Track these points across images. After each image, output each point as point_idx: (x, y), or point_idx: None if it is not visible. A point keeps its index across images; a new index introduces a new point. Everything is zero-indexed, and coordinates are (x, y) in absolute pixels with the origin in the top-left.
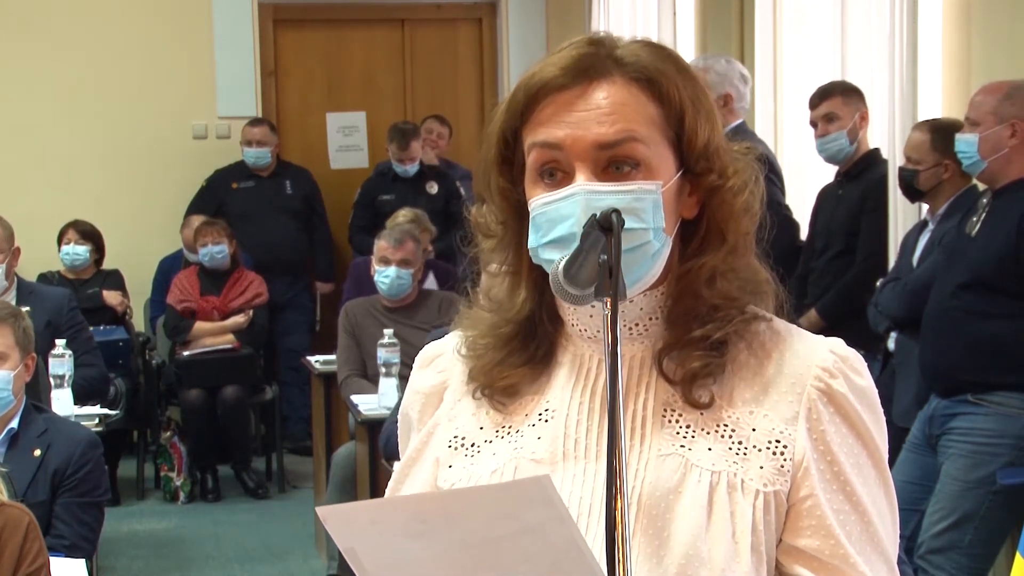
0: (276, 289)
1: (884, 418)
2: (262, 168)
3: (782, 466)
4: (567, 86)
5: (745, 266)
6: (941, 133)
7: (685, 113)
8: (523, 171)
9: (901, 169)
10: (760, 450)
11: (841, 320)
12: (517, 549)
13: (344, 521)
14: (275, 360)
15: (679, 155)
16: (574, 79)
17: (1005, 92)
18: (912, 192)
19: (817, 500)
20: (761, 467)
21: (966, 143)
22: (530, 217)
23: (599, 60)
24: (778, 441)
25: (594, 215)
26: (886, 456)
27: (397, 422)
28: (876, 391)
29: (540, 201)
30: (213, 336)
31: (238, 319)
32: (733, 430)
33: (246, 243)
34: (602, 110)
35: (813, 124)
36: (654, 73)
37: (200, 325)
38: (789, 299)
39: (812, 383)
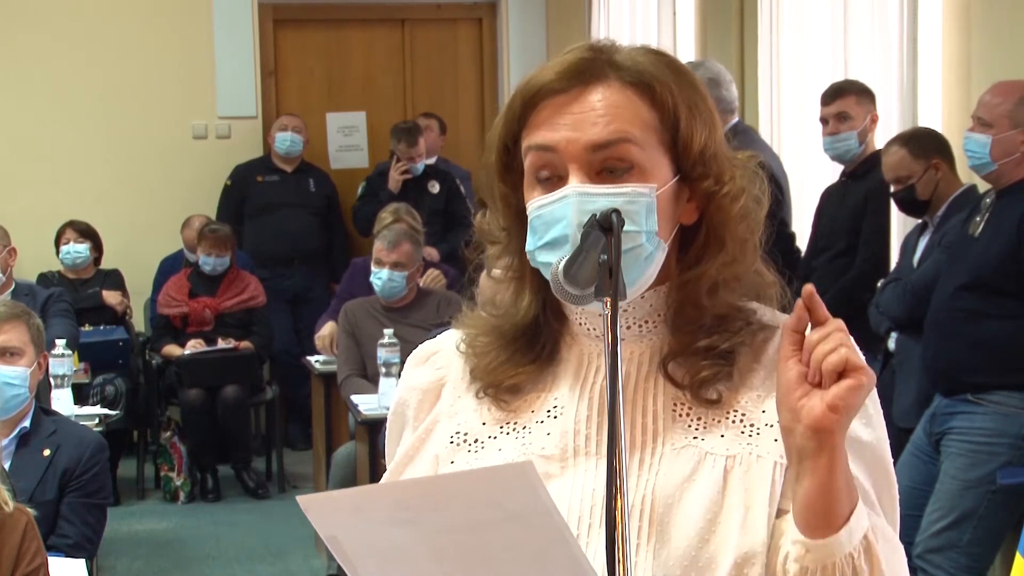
0: (297, 282)
1: (878, 398)
2: (293, 158)
3: None
4: (563, 90)
5: (749, 272)
6: (914, 141)
7: (680, 118)
8: (523, 176)
9: (895, 192)
10: (771, 426)
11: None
12: (501, 536)
13: (326, 509)
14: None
15: (675, 160)
16: (570, 82)
17: (1021, 95)
18: (915, 206)
19: None
20: (775, 440)
21: (977, 143)
22: (528, 221)
23: (596, 64)
24: None
25: (594, 215)
26: (884, 435)
27: None
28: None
29: (535, 204)
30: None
31: (225, 347)
32: (743, 415)
33: (266, 234)
34: (596, 111)
35: (823, 121)
36: (649, 78)
37: (169, 348)
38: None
39: None
